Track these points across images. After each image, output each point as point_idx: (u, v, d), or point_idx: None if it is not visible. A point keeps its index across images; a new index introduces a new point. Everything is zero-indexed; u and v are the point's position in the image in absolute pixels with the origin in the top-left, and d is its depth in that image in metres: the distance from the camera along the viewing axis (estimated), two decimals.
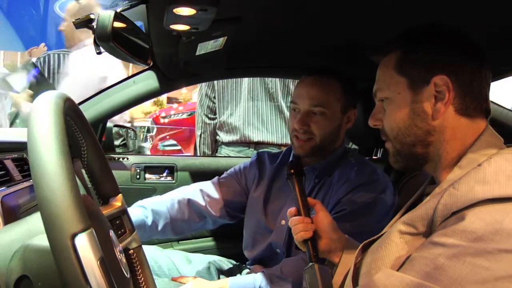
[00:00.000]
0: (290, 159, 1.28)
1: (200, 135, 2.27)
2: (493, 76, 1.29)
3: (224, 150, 2.18)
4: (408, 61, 0.73)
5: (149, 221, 1.23)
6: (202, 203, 1.31)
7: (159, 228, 1.25)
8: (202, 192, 1.33)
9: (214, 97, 2.21)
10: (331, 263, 0.90)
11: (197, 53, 1.10)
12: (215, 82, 2.20)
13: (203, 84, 2.24)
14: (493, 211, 0.57)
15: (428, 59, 0.71)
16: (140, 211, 1.24)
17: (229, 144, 2.16)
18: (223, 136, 2.18)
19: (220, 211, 1.32)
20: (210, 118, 2.24)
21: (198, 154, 2.31)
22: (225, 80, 2.13)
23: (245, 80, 2.13)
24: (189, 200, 1.30)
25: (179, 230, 1.31)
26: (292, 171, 0.95)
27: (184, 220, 1.29)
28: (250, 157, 2.02)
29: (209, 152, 2.27)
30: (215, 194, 1.33)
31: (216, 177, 1.39)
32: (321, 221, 0.89)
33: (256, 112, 2.12)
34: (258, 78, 2.09)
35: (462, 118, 0.70)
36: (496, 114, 1.55)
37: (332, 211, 1.12)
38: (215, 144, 2.28)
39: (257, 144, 2.11)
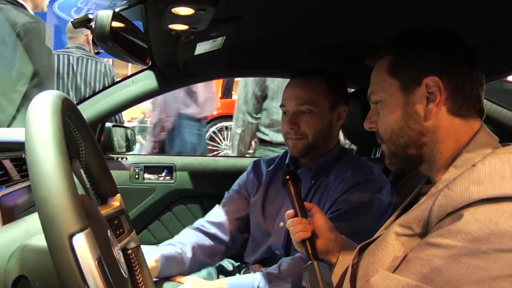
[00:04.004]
0: (286, 161, 1.28)
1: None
2: (492, 76, 1.31)
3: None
4: (400, 63, 0.73)
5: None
6: (210, 242, 1.27)
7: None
8: (206, 226, 1.30)
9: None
10: (329, 263, 0.90)
11: (196, 53, 1.10)
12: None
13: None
14: (488, 211, 0.57)
15: (418, 61, 0.72)
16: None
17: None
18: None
19: (229, 232, 1.30)
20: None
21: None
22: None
23: None
24: (198, 245, 1.25)
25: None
26: (288, 177, 0.95)
27: (209, 256, 1.27)
28: (258, 157, 2.03)
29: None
30: (218, 218, 1.30)
31: (222, 201, 1.36)
32: (318, 222, 0.90)
33: None
34: None
35: (455, 119, 0.70)
36: (495, 114, 1.55)
37: (329, 211, 1.12)
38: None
39: None
